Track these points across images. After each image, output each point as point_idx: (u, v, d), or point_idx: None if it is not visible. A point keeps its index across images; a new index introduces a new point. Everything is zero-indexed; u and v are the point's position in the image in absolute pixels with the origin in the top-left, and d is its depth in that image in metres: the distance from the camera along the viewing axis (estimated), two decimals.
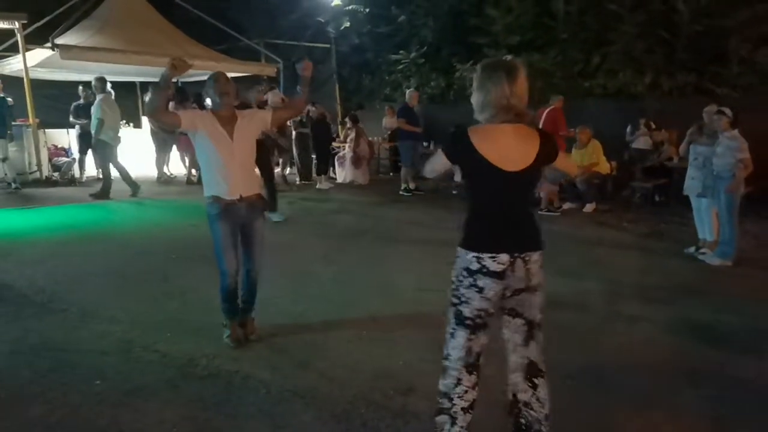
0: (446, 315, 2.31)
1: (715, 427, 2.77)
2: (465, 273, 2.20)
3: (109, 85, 9.13)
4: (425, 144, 10.98)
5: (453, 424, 2.27)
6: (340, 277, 5.13)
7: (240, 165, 3.41)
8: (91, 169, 10.85)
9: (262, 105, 7.39)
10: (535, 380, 2.29)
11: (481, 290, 2.18)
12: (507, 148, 2.16)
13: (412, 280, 4.89)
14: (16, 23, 10.10)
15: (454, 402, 2.27)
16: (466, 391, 2.27)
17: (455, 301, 2.25)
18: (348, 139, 11.38)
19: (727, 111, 5.42)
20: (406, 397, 2.95)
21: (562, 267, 5.36)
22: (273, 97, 8.83)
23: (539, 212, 8.15)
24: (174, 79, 11.53)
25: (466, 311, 2.22)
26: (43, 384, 3.09)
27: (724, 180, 5.41)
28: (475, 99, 2.25)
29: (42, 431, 2.68)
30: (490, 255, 2.16)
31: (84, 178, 10.66)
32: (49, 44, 10.12)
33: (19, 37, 10.15)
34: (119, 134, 9.28)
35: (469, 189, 2.27)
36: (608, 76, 11.25)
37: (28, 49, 10.24)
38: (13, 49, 10.84)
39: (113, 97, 9.19)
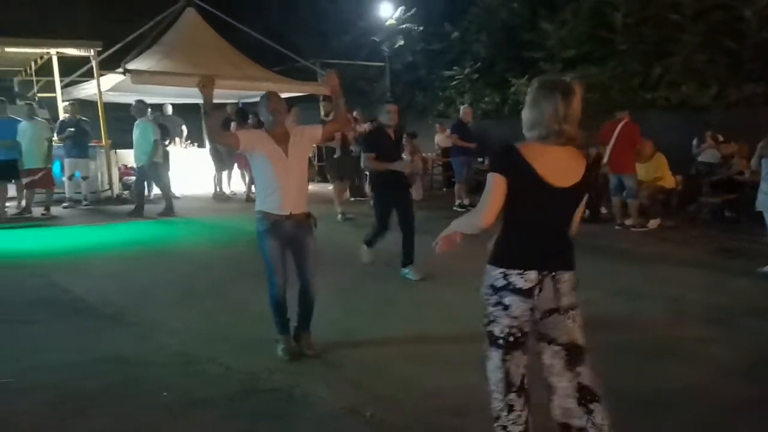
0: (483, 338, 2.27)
1: None
2: (490, 291, 2.17)
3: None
4: (479, 160, 10.92)
5: None
6: (391, 293, 5.14)
7: (294, 182, 3.51)
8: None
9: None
10: (590, 405, 2.19)
11: (506, 308, 2.14)
12: (556, 164, 2.13)
13: (464, 298, 4.84)
14: (92, 51, 10.81)
15: (508, 429, 2.21)
16: (519, 416, 2.20)
17: (485, 321, 2.22)
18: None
19: None
20: (461, 418, 2.92)
21: (624, 286, 5.21)
22: (294, 115, 8.54)
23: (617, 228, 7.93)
24: (235, 101, 11.95)
25: (497, 330, 2.18)
26: (110, 395, 3.25)
27: None
28: (526, 115, 2.20)
29: None
30: (518, 271, 2.13)
31: (152, 196, 11.19)
32: (120, 69, 10.77)
33: (94, 64, 10.85)
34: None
35: (511, 203, 2.15)
36: (670, 88, 10.88)
37: (101, 74, 10.92)
38: (88, 74, 11.59)
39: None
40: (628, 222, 8.00)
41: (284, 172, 3.47)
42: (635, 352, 3.73)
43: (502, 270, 2.15)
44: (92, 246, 7.22)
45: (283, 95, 13.53)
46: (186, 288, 5.34)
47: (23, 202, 9.33)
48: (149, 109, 9.66)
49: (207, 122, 3.52)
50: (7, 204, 9.41)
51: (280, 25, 16.72)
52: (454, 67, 14.41)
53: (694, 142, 9.40)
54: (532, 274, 2.13)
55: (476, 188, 10.57)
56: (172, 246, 7.28)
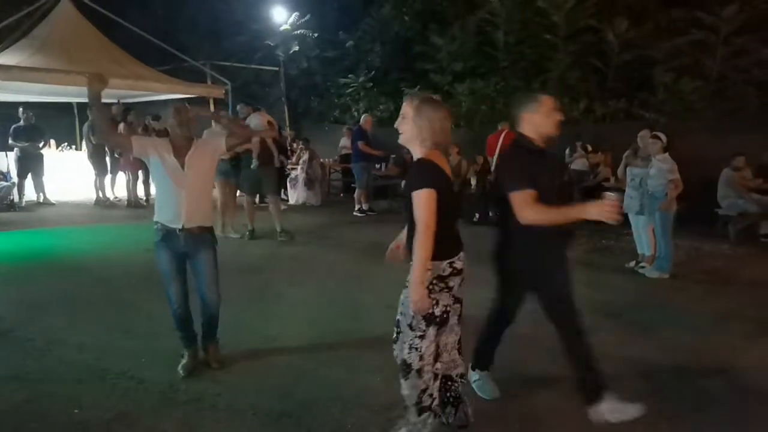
0: (405, 327, 2.53)
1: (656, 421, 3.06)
2: (436, 280, 2.49)
3: None
4: (377, 166, 11.23)
5: (436, 416, 2.60)
6: (307, 298, 5.20)
7: (189, 195, 3.37)
8: (30, 193, 10.43)
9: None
10: (460, 350, 2.71)
11: (450, 288, 2.54)
12: (448, 170, 2.56)
13: (377, 299, 5.02)
14: None
15: (433, 395, 2.57)
16: (436, 382, 2.59)
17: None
18: (300, 161, 11.47)
19: (662, 136, 5.94)
20: (390, 411, 3.07)
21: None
22: (256, 119, 7.53)
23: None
24: (114, 101, 10.92)
25: (437, 311, 2.52)
26: (20, 415, 3.02)
27: (658, 199, 5.91)
28: (415, 129, 2.50)
29: None
30: (457, 257, 2.56)
31: (23, 203, 10.21)
32: None
33: None
34: None
35: (438, 207, 2.41)
36: None
37: None
38: None
39: None
40: None
41: (179, 183, 3.35)
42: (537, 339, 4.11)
43: (448, 261, 2.51)
44: None
45: (171, 96, 12.90)
46: (83, 300, 5.00)
47: None
48: None
49: (96, 120, 3.32)
50: None
51: (166, 23, 15.93)
52: (350, 75, 14.66)
53: (567, 151, 10.40)
54: (462, 254, 2.59)
55: (375, 194, 10.87)
56: (59, 257, 6.72)
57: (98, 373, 3.54)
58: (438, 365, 2.61)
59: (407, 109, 2.54)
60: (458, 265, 2.55)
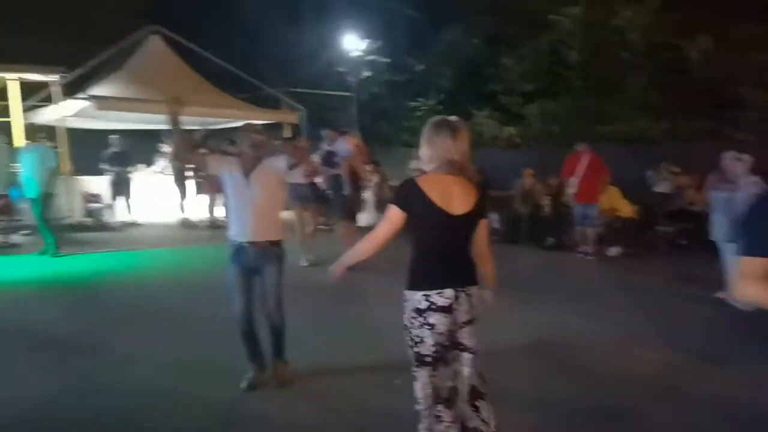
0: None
1: None
2: (414, 314, 2.36)
3: None
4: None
5: None
6: (368, 320, 5.18)
7: (254, 211, 3.50)
8: (121, 214, 11.14)
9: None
10: (477, 403, 2.44)
11: (432, 327, 2.34)
12: (451, 193, 2.38)
13: None
14: (55, 76, 10.60)
15: None
16: (449, 427, 2.37)
17: (410, 344, 2.40)
18: (370, 184, 11.59)
19: (745, 157, 5.54)
20: None
21: (587, 310, 5.41)
22: (344, 144, 7.32)
23: (579, 255, 8.23)
24: (198, 127, 11.29)
25: (423, 350, 2.37)
26: (91, 425, 3.18)
27: None
28: (423, 152, 2.49)
29: None
30: (437, 291, 2.34)
31: (114, 223, 10.92)
32: (84, 95, 10.57)
33: (56, 89, 10.63)
34: None
35: (416, 232, 2.42)
36: (624, 122, 11.48)
37: (63, 100, 10.69)
38: (49, 99, 11.34)
39: None
40: (583, 249, 8.31)
41: (246, 200, 3.51)
42: (602, 371, 3.88)
43: (423, 293, 2.35)
44: (58, 274, 6.99)
45: (246, 122, 13.46)
46: (161, 318, 5.23)
47: None
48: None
49: (175, 138, 3.54)
50: None
51: (245, 54, 16.76)
52: (419, 99, 14.78)
53: (649, 173, 9.89)
54: (449, 292, 2.36)
55: None
56: (140, 275, 7.11)
57: (171, 388, 3.67)
58: (440, 407, 2.39)
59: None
60: (437, 300, 2.33)
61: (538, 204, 9.71)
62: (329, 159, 7.21)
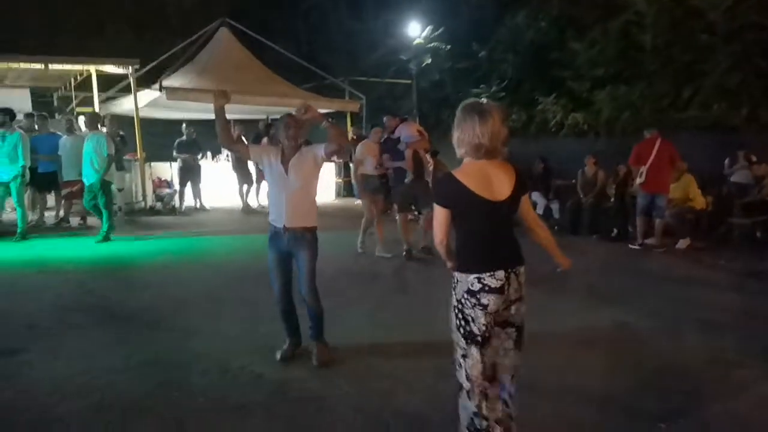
0: (455, 341, 2.50)
1: None
2: (467, 295, 2.43)
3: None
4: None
5: None
6: (420, 306, 5.18)
7: (290, 197, 3.66)
8: (189, 199, 11.68)
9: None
10: (514, 381, 2.56)
11: (485, 307, 2.41)
12: (490, 180, 2.43)
13: None
14: (130, 68, 11.21)
15: (488, 417, 2.45)
16: (495, 403, 2.48)
17: (462, 323, 2.45)
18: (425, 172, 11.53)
19: None
20: None
21: (655, 307, 5.18)
22: (405, 130, 7.17)
23: (632, 247, 7.89)
24: (263, 116, 11.60)
25: (475, 329, 2.43)
26: (153, 399, 3.37)
27: None
28: (455, 136, 2.50)
29: None
30: (489, 273, 2.40)
31: (183, 208, 11.47)
32: (156, 86, 11.12)
33: (132, 81, 11.25)
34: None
35: (462, 220, 2.48)
36: (702, 109, 10.79)
37: (138, 91, 11.29)
38: (125, 90, 12.02)
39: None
40: (649, 241, 7.92)
41: (282, 187, 3.68)
42: (672, 371, 3.71)
43: (475, 275, 2.42)
44: (127, 255, 7.44)
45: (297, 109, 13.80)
46: (220, 298, 5.47)
47: (61, 212, 9.66)
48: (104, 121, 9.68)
49: (219, 129, 3.70)
50: (47, 214, 9.75)
51: (310, 44, 17.08)
52: (481, 86, 14.50)
53: (726, 161, 9.29)
54: (501, 273, 2.42)
55: None
56: (203, 258, 7.44)
57: (225, 365, 3.83)
58: (487, 384, 2.46)
59: None
60: (490, 282, 2.40)
61: (603, 193, 9.34)
62: (392, 146, 7.12)
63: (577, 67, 13.00)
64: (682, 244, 7.93)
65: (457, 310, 2.47)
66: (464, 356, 2.46)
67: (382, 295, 5.67)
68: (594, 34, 12.76)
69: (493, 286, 2.40)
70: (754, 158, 9.03)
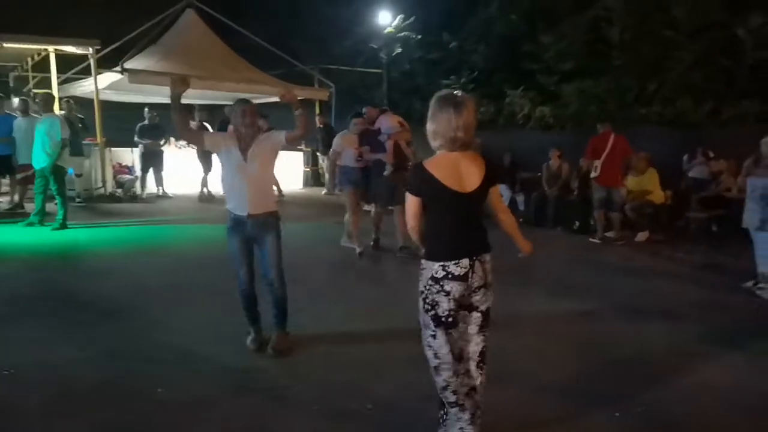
0: (422, 323, 2.58)
1: None
2: (431, 281, 2.51)
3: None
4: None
5: (463, 410, 2.57)
6: (391, 297, 5.19)
7: (251, 184, 3.63)
8: (151, 186, 11.38)
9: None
10: (483, 367, 2.65)
11: (448, 293, 2.49)
12: (459, 173, 2.49)
13: None
14: (90, 49, 10.82)
15: (457, 392, 2.56)
16: (462, 380, 2.58)
17: (428, 307, 2.54)
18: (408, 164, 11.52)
19: None
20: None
21: (617, 300, 5.29)
22: (386, 121, 7.03)
23: (592, 240, 8.05)
24: (230, 103, 11.29)
25: (440, 312, 2.51)
26: (112, 390, 3.28)
27: None
28: (429, 127, 2.53)
29: None
30: (453, 262, 2.48)
31: (145, 195, 11.18)
32: (118, 68, 10.78)
33: (92, 62, 10.87)
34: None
35: (431, 209, 2.55)
36: (665, 104, 11.05)
37: (99, 73, 10.92)
38: (86, 72, 11.61)
39: None
40: (609, 234, 8.11)
41: (242, 174, 3.63)
42: (635, 365, 3.80)
43: (440, 263, 2.49)
44: (85, 242, 7.22)
45: (240, 99, 13.57)
46: (182, 287, 5.36)
47: (16, 197, 9.31)
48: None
49: (174, 118, 3.61)
50: (0, 199, 9.38)
51: (280, 30, 16.75)
52: (452, 77, 14.53)
53: (685, 157, 9.55)
54: (466, 261, 2.50)
55: None
56: (164, 245, 7.28)
57: (186, 356, 3.77)
58: (455, 363, 2.56)
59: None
60: (454, 270, 2.48)
61: (568, 186, 9.49)
62: (372, 138, 6.80)
63: (547, 60, 13.15)
64: (641, 237, 8.13)
65: (423, 295, 2.55)
66: (432, 336, 2.55)
67: (353, 285, 5.65)
68: (563, 27, 12.91)
69: (456, 273, 2.48)
70: (711, 154, 9.30)
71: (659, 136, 10.27)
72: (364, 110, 7.27)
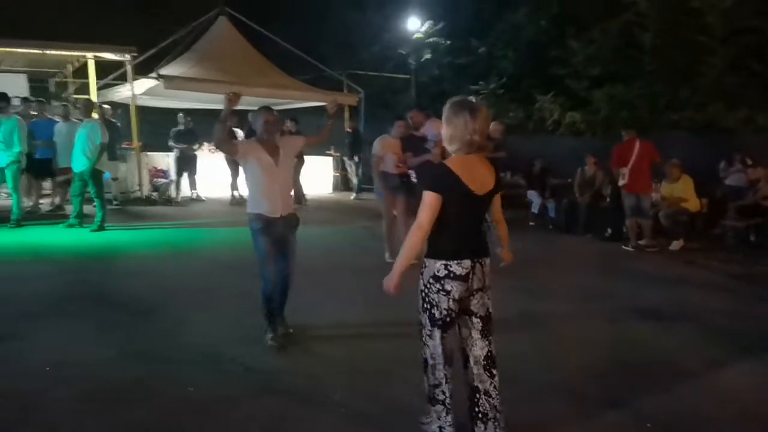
0: (421, 321, 2.67)
1: None
2: (432, 280, 2.59)
3: None
4: (501, 174, 10.94)
5: (448, 411, 2.67)
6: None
7: (281, 188, 3.92)
8: (186, 189, 11.65)
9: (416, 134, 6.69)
10: (493, 371, 2.69)
11: (448, 293, 2.56)
12: (476, 174, 2.58)
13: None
14: (127, 55, 11.16)
15: (446, 393, 2.67)
16: (450, 383, 2.68)
17: (427, 306, 2.63)
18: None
19: None
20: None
21: (645, 308, 5.21)
22: (431, 128, 6.73)
23: (625, 248, 7.92)
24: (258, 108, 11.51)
25: (437, 313, 2.60)
26: (142, 388, 3.39)
27: None
28: (444, 132, 2.64)
29: None
30: (456, 261, 2.55)
31: (179, 198, 11.45)
32: (154, 74, 11.08)
33: (128, 68, 11.20)
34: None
35: (445, 209, 2.55)
36: (697, 110, 10.82)
37: (135, 78, 11.25)
38: (123, 78, 11.97)
39: None
40: (642, 242, 7.96)
41: (274, 179, 3.87)
42: (662, 374, 3.75)
43: (443, 262, 2.57)
44: (121, 244, 7.44)
45: (309, 104, 13.71)
46: (212, 289, 5.47)
47: (57, 199, 9.64)
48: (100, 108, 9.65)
49: (219, 129, 3.78)
50: (41, 201, 9.74)
51: (309, 36, 16.97)
52: (480, 82, 14.49)
53: (722, 164, 9.32)
54: (467, 262, 2.57)
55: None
56: (196, 248, 7.44)
57: (213, 356, 3.85)
58: (448, 366, 2.66)
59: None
60: (456, 269, 2.55)
61: (600, 193, 9.36)
62: (416, 144, 6.51)
63: (575, 65, 13.02)
64: (676, 245, 7.97)
65: (423, 294, 2.64)
66: (429, 335, 2.65)
67: (376, 289, 5.65)
68: (593, 32, 12.77)
69: (458, 273, 2.55)
70: (749, 161, 9.07)
71: (692, 142, 10.07)
72: (410, 114, 6.98)
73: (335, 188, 14.47)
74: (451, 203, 2.56)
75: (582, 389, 3.48)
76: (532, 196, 10.27)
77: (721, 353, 4.13)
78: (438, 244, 2.61)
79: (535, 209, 10.16)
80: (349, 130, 13.07)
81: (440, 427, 2.68)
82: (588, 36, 12.81)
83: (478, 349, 2.67)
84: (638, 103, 11.81)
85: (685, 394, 3.47)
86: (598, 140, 11.89)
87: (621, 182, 7.97)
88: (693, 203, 8.40)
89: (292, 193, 4.24)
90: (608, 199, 9.15)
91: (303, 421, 3.07)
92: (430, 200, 2.53)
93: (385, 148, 6.46)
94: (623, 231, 8.54)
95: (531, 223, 9.93)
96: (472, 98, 2.65)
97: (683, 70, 11.42)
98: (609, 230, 8.79)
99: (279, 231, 3.91)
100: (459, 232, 2.60)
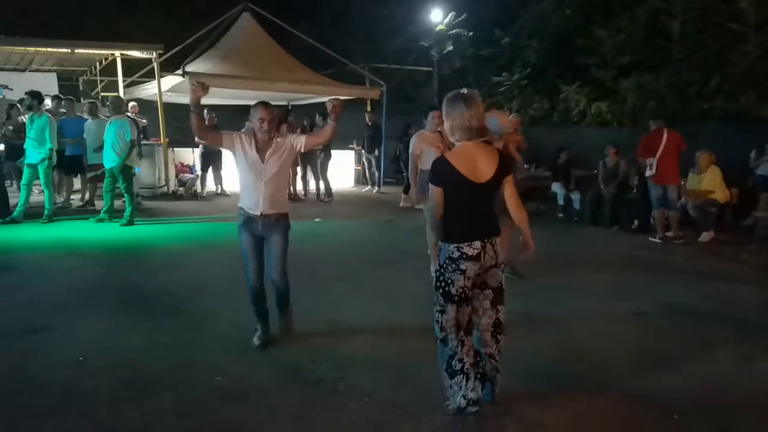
0: (435, 299, 2.89)
1: None
2: (448, 261, 2.83)
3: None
4: (525, 166, 10.83)
5: (467, 379, 2.84)
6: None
7: (266, 185, 3.73)
8: (210, 184, 11.82)
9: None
10: (499, 336, 2.97)
11: (463, 272, 2.80)
12: (476, 164, 2.78)
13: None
14: (154, 53, 11.33)
15: (463, 360, 2.85)
16: (470, 349, 2.89)
17: (442, 284, 2.86)
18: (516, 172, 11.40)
19: None
20: (503, 418, 2.98)
21: (674, 301, 5.13)
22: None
23: (652, 240, 7.79)
24: (284, 103, 11.45)
25: (452, 290, 2.83)
26: (173, 377, 3.48)
27: None
28: (445, 126, 2.89)
29: (173, 418, 3.02)
30: (467, 243, 2.79)
31: (204, 193, 11.62)
32: (179, 71, 11.23)
33: (155, 65, 11.38)
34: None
35: (449, 196, 2.83)
36: (728, 99, 10.53)
37: (161, 76, 11.42)
38: (149, 75, 12.16)
39: None
40: (669, 234, 7.82)
41: (258, 176, 3.73)
42: (692, 369, 3.70)
43: (455, 245, 2.82)
44: (149, 238, 7.59)
45: (333, 98, 13.71)
46: (235, 281, 5.51)
47: (86, 195, 9.88)
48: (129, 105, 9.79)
49: (192, 119, 3.76)
50: (72, 197, 9.98)
51: (331, 30, 17.03)
52: (504, 73, 14.33)
53: (752, 154, 9.09)
54: (478, 243, 2.81)
55: (524, 196, 10.49)
56: (220, 241, 7.52)
57: (242, 346, 3.92)
58: (462, 334, 2.87)
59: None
60: (468, 250, 2.79)
61: (625, 184, 9.21)
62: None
63: (602, 54, 12.77)
64: (705, 237, 7.81)
65: (439, 273, 2.87)
66: (441, 311, 2.86)
67: (400, 281, 5.69)
68: (620, 20, 12.51)
69: (470, 254, 2.79)
70: None
71: (723, 132, 9.82)
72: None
73: (357, 182, 14.50)
74: (454, 193, 2.82)
75: (611, 382, 3.46)
76: (556, 188, 10.17)
77: (752, 347, 4.06)
78: (450, 229, 2.86)
79: (560, 201, 10.08)
80: (369, 122, 13.07)
81: (463, 396, 2.83)
82: (615, 24, 12.55)
83: (487, 317, 2.92)
84: (667, 92, 11.54)
85: (714, 388, 3.43)
86: (626, 131, 11.68)
87: (648, 173, 7.84)
88: (720, 194, 8.21)
89: (285, 192, 3.99)
90: (635, 190, 9.01)
91: (331, 410, 3.11)
92: (434, 192, 2.84)
93: (424, 143, 5.61)
94: (650, 222, 8.41)
95: (560, 215, 9.88)
96: (465, 90, 2.84)
97: (714, 58, 11.11)
98: (636, 222, 8.66)
99: (258, 230, 3.79)
100: (467, 217, 2.84)
